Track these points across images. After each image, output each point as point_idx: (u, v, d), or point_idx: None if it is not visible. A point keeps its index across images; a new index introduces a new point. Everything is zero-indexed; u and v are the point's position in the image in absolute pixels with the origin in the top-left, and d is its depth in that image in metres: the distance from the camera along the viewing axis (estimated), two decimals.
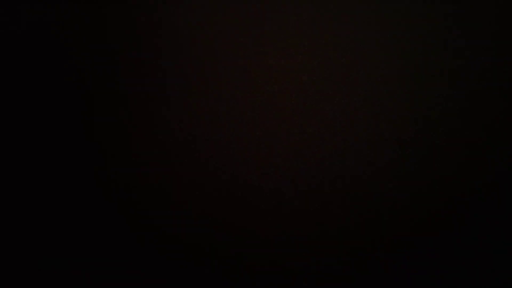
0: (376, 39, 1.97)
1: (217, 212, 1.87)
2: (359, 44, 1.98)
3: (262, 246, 1.78)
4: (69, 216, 1.89)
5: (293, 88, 2.00)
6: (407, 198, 1.88)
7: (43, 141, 2.02)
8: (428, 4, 1.97)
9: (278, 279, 1.69)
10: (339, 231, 1.82)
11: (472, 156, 1.93)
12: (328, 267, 1.71)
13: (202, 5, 1.98)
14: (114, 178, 1.95)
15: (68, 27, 1.98)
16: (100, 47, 2.01)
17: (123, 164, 1.97)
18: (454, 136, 1.94)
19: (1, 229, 1.86)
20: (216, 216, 1.86)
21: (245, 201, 1.89)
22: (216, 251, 1.77)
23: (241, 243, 1.80)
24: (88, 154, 1.99)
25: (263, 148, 1.97)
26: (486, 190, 1.87)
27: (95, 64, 2.01)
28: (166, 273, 1.74)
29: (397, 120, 1.97)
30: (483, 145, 1.94)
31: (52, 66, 2.01)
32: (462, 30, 1.98)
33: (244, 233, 1.82)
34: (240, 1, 1.99)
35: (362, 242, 1.79)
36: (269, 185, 1.92)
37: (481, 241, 1.77)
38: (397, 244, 1.78)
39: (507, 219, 1.83)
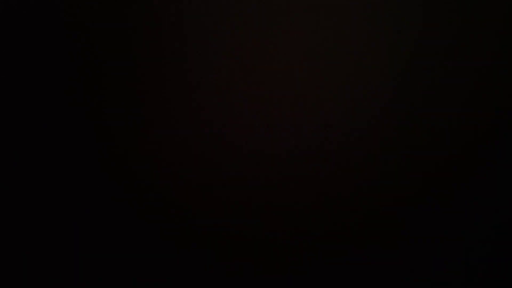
0: (374, 38, 1.98)
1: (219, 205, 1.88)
2: (358, 44, 1.98)
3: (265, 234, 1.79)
4: (74, 214, 1.89)
5: (293, 86, 2.00)
6: (405, 195, 1.88)
7: (43, 139, 2.03)
8: (426, 4, 1.97)
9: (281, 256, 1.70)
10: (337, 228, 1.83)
11: (470, 154, 1.93)
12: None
13: (201, 3, 1.98)
14: (117, 178, 1.95)
15: (70, 21, 1.98)
16: (99, 45, 2.01)
17: (124, 164, 1.97)
18: (455, 136, 1.94)
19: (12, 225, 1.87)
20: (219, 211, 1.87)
21: (243, 196, 1.89)
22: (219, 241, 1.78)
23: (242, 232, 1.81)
24: (89, 154, 2.00)
25: (263, 145, 1.97)
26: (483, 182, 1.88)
27: (95, 63, 2.01)
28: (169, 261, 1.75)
29: (395, 119, 1.97)
30: (481, 143, 1.94)
31: (52, 60, 2.02)
32: (461, 30, 1.98)
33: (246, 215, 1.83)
34: (240, 1, 1.99)
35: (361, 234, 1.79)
36: (268, 184, 1.92)
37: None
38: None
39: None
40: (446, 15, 1.96)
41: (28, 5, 1.98)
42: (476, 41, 1.96)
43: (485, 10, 1.97)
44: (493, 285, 1.79)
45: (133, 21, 1.99)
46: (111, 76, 1.99)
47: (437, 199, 1.86)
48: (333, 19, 1.96)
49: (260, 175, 1.92)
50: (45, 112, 1.97)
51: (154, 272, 1.84)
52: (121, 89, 1.98)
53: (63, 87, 1.97)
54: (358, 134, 1.94)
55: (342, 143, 1.94)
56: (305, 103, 1.95)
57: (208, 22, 1.98)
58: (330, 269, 1.83)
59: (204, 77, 1.97)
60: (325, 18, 1.97)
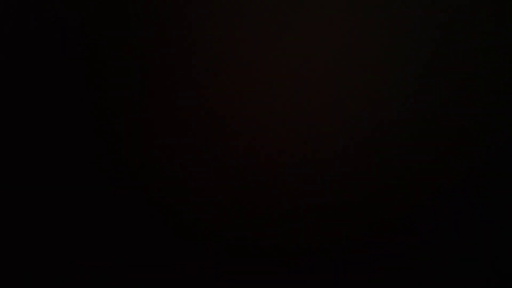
0: (374, 38, 1.98)
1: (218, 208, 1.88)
2: (358, 43, 1.98)
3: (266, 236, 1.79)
4: (73, 215, 1.89)
5: (293, 86, 2.00)
6: (405, 194, 1.89)
7: (47, 139, 2.02)
8: (426, 5, 1.97)
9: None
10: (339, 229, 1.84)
11: (468, 155, 1.94)
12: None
13: (200, 3, 1.97)
14: (116, 179, 1.95)
15: (67, 24, 1.98)
16: (97, 44, 2.00)
17: (123, 165, 1.97)
18: (454, 136, 1.95)
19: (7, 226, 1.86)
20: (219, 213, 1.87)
21: (241, 195, 1.89)
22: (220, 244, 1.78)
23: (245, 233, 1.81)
24: (88, 155, 1.99)
25: (263, 145, 1.97)
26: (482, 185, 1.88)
27: (92, 63, 2.01)
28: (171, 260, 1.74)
29: (395, 118, 1.98)
30: (480, 143, 1.95)
31: (48, 64, 2.01)
32: (461, 30, 1.98)
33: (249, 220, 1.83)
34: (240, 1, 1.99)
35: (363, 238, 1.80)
36: (267, 182, 1.92)
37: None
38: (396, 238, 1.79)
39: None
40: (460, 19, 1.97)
41: (29, 5, 1.97)
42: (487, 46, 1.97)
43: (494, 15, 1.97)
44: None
45: (137, 19, 1.98)
46: (116, 75, 1.98)
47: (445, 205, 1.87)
48: (342, 19, 1.96)
49: (264, 176, 1.92)
50: (49, 112, 1.96)
51: (154, 273, 1.84)
52: (126, 88, 1.98)
53: (67, 87, 1.96)
54: (364, 137, 1.94)
55: (347, 147, 1.94)
56: (310, 105, 1.95)
57: (212, 22, 1.98)
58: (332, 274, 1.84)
59: (210, 77, 1.97)
60: (332, 19, 1.97)
